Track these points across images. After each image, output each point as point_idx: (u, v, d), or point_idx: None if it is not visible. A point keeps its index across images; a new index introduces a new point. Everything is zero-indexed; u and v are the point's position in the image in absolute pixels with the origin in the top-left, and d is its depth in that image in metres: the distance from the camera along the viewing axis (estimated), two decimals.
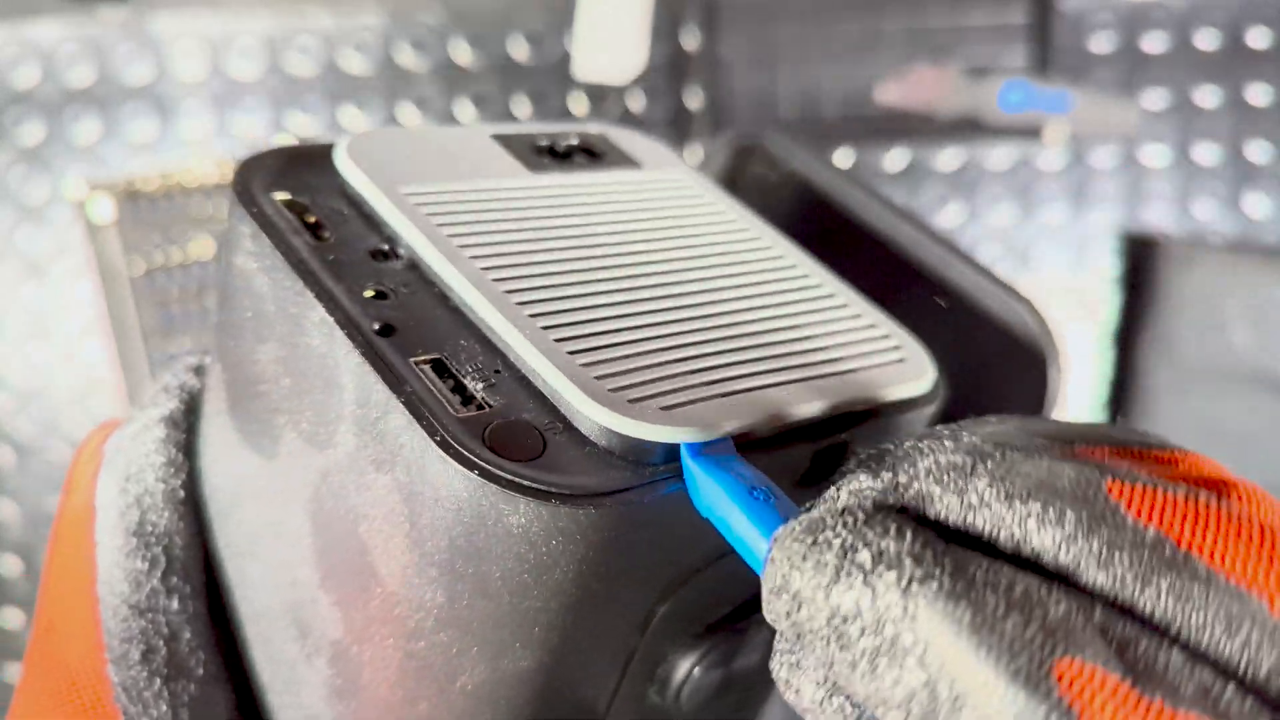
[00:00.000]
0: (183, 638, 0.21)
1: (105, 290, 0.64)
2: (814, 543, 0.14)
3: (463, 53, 0.66)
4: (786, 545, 0.15)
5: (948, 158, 0.67)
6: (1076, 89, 0.64)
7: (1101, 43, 0.66)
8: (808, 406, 0.18)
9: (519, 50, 0.66)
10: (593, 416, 0.17)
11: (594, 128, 0.25)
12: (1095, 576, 0.13)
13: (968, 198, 0.67)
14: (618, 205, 0.22)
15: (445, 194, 0.21)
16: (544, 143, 0.24)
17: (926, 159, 0.67)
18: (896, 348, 0.21)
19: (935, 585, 0.13)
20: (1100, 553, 0.13)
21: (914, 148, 0.66)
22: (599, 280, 0.20)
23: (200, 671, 0.21)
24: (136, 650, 0.21)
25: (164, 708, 0.21)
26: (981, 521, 0.14)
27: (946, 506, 0.14)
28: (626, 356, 0.18)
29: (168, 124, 0.66)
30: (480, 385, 0.17)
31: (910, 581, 0.13)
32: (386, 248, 0.20)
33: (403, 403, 0.17)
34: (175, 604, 0.22)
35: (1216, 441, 0.64)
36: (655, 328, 0.19)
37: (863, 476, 0.15)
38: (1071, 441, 0.15)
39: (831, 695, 0.15)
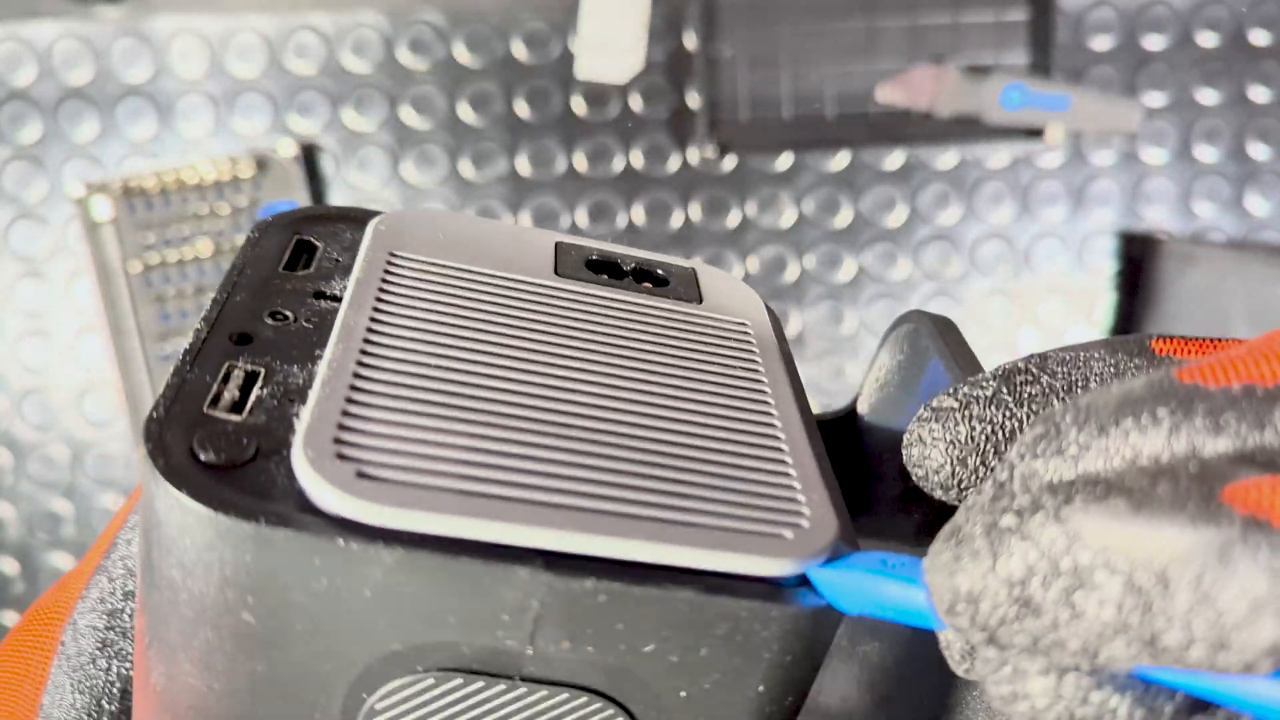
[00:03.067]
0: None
1: (103, 289, 0.63)
2: (958, 541, 0.14)
3: (463, 53, 0.66)
4: (938, 563, 0.15)
5: (948, 157, 0.67)
6: (1077, 88, 0.64)
7: (1102, 42, 0.66)
8: (573, 537, 0.16)
9: (519, 50, 0.66)
10: (293, 450, 0.16)
11: (687, 262, 0.24)
12: (1213, 444, 0.14)
13: (968, 197, 0.67)
14: (611, 323, 0.21)
15: (431, 266, 0.21)
16: (605, 258, 0.23)
17: (926, 159, 0.67)
18: (792, 512, 0.18)
19: (1080, 499, 0.14)
20: (1208, 423, 0.14)
21: (914, 147, 0.66)
22: (496, 372, 0.18)
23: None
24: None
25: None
26: (1091, 461, 0.15)
27: (1054, 470, 0.15)
28: (417, 428, 0.17)
29: (166, 123, 0.66)
30: (263, 404, 0.17)
31: (1058, 509, 0.14)
32: (335, 290, 0.20)
33: (168, 382, 0.17)
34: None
35: None
36: (503, 420, 0.18)
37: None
38: (1124, 362, 0.16)
39: (1061, 675, 0.15)
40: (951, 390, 0.18)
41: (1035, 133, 0.65)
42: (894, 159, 0.67)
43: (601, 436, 0.18)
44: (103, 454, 0.66)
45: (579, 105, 0.66)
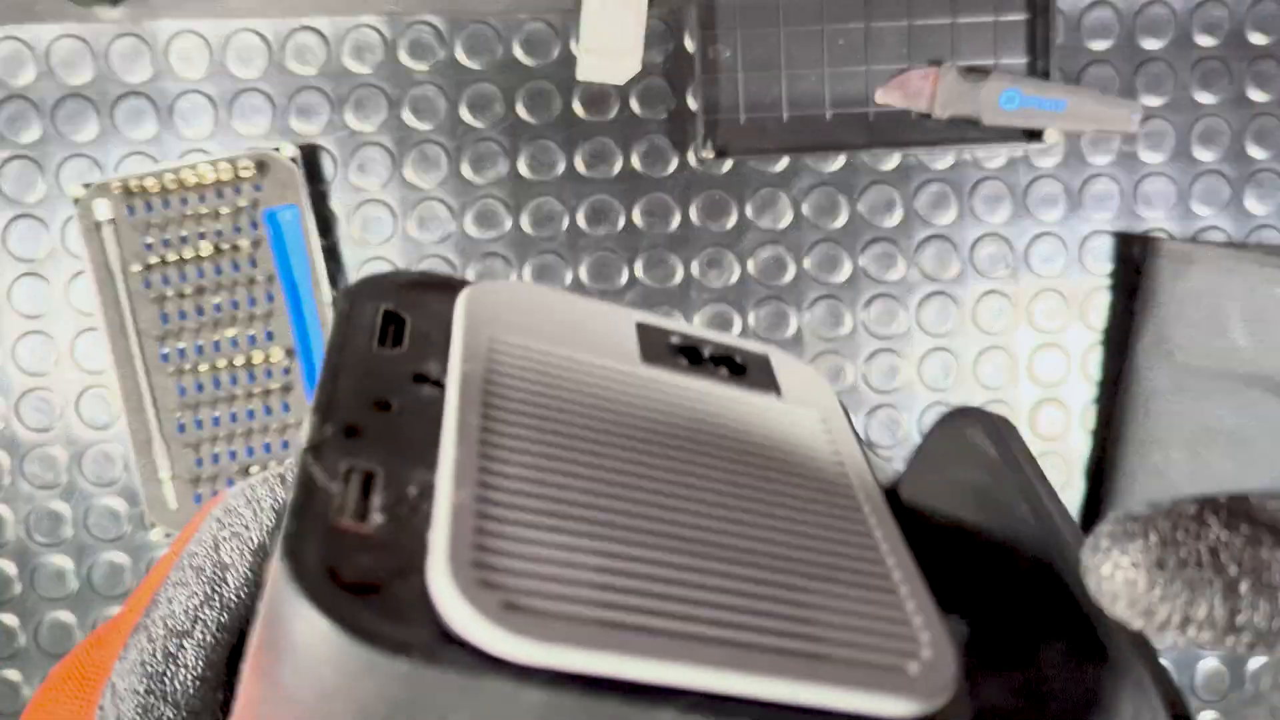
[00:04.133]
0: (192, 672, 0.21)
1: (102, 290, 0.63)
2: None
3: (463, 53, 0.66)
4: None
5: (946, 158, 0.67)
6: (1075, 89, 0.64)
7: (1101, 42, 0.66)
8: (723, 676, 0.15)
9: (519, 50, 0.66)
10: (431, 573, 0.15)
11: (759, 348, 0.23)
12: None
13: (966, 198, 0.67)
14: (706, 422, 0.20)
15: (531, 353, 0.20)
16: (685, 342, 0.22)
17: (925, 159, 0.67)
18: (911, 647, 0.16)
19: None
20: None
21: (912, 147, 0.66)
22: (615, 480, 0.18)
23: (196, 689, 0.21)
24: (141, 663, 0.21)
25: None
26: None
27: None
28: (553, 548, 0.16)
29: (166, 124, 0.66)
30: (386, 512, 0.16)
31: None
32: (433, 373, 0.19)
33: (297, 482, 0.16)
34: (204, 635, 0.21)
35: (1216, 441, 0.64)
36: (629, 536, 0.17)
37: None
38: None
39: None
40: (1134, 515, 0.16)
41: (1034, 134, 0.65)
42: (892, 160, 0.67)
43: (721, 554, 0.17)
44: (102, 454, 0.66)
45: (579, 107, 0.66)
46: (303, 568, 0.15)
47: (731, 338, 0.23)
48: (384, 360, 0.20)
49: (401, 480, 0.17)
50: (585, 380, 0.20)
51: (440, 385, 0.19)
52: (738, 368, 0.22)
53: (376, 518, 0.16)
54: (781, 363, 0.23)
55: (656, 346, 0.22)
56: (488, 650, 0.15)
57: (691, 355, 0.22)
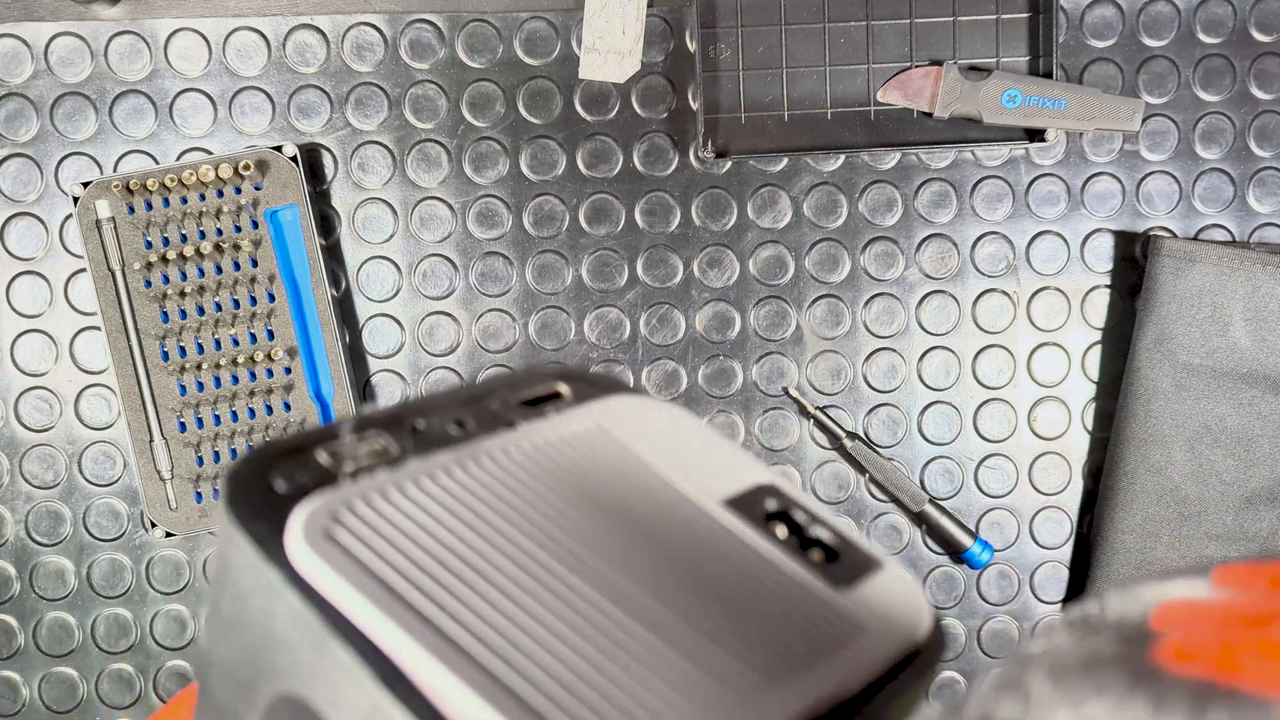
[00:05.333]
0: None
1: (101, 289, 0.63)
2: None
3: (463, 51, 0.66)
4: None
5: (947, 156, 0.67)
6: (1076, 88, 0.64)
7: (1102, 41, 0.66)
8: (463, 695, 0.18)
9: (520, 49, 0.66)
10: (313, 497, 0.21)
11: (882, 556, 0.24)
12: None
13: (967, 197, 0.67)
14: (731, 571, 0.22)
15: (612, 442, 0.23)
16: (784, 515, 0.23)
17: (925, 158, 0.67)
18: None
19: None
20: (1151, 709, 0.15)
21: (913, 146, 0.66)
22: (507, 554, 0.20)
23: None
24: None
25: None
26: (1045, 714, 0.16)
27: (1014, 713, 0.16)
28: (416, 546, 0.20)
29: (165, 122, 0.66)
30: (353, 461, 0.22)
31: None
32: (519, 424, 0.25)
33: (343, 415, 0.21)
34: None
35: (1217, 440, 0.64)
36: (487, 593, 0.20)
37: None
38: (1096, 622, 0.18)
39: None
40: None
41: (1035, 132, 0.65)
42: (892, 159, 0.67)
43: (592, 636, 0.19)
44: (102, 454, 0.66)
45: (580, 106, 0.66)
46: (250, 459, 0.21)
47: (856, 536, 0.23)
48: (515, 410, 0.24)
49: (387, 458, 0.21)
50: (629, 477, 0.22)
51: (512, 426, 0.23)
52: (830, 554, 0.23)
53: (346, 465, 0.21)
54: (891, 577, 0.23)
55: (754, 503, 0.23)
56: (286, 548, 0.19)
57: (787, 525, 0.23)
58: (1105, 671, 0.15)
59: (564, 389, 0.24)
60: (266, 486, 0.20)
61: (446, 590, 0.19)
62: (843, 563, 0.23)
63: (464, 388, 0.24)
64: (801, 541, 0.23)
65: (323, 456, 0.21)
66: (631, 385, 0.25)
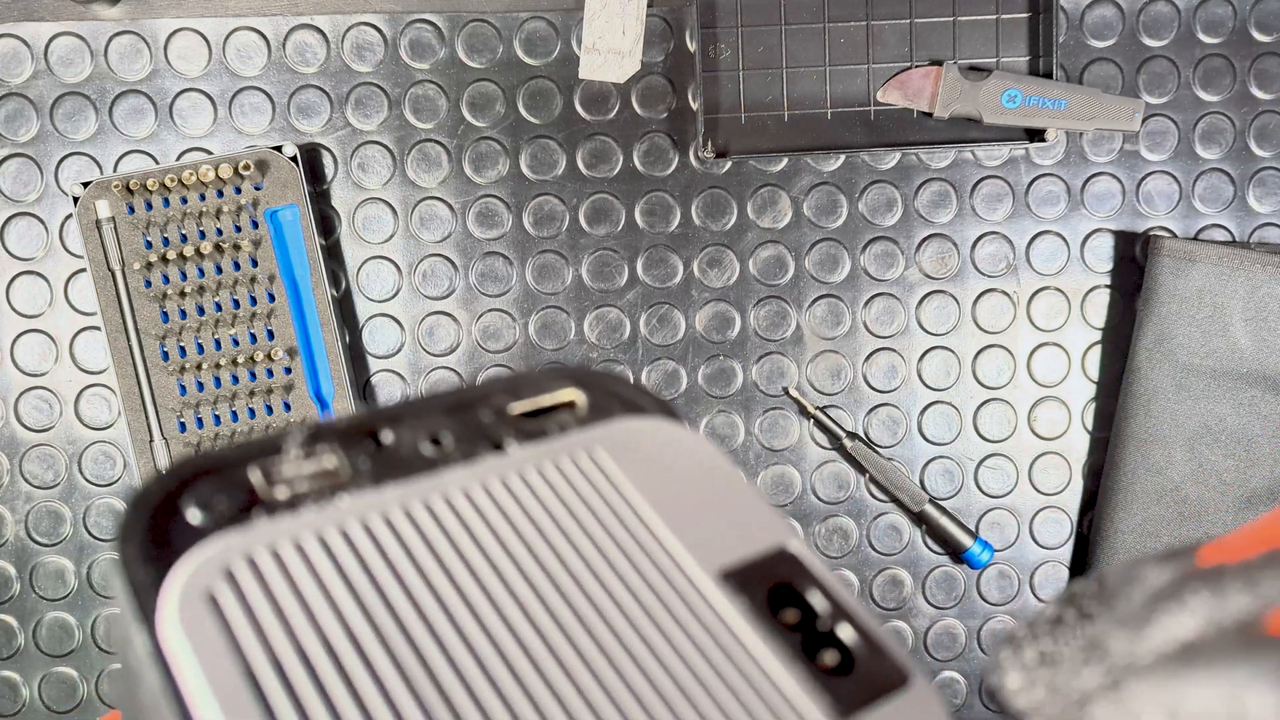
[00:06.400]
0: None
1: (101, 289, 0.63)
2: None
3: (463, 51, 0.66)
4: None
5: (947, 156, 0.67)
6: (1077, 87, 0.64)
7: (1102, 41, 0.66)
8: None
9: (519, 49, 0.66)
10: (209, 544, 0.18)
11: (908, 664, 0.19)
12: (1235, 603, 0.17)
13: (967, 197, 0.67)
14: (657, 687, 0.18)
15: (597, 471, 0.20)
16: (796, 594, 0.19)
17: (925, 158, 0.67)
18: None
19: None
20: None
21: (913, 146, 0.66)
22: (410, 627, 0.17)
23: None
24: None
25: None
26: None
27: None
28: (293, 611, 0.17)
29: (165, 122, 0.66)
30: (286, 485, 0.19)
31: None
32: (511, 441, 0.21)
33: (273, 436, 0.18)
34: None
35: (1218, 440, 0.64)
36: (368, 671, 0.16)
37: None
38: None
39: None
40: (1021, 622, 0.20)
41: (1035, 132, 0.65)
42: (892, 159, 0.67)
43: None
44: (102, 454, 0.66)
45: (580, 106, 0.66)
46: (164, 476, 0.17)
47: (878, 631, 0.18)
48: (515, 421, 0.20)
49: (334, 482, 0.18)
50: (618, 538, 0.18)
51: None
52: (848, 659, 0.18)
53: (279, 490, 0.18)
54: (915, 703, 0.18)
55: (755, 580, 0.18)
56: (158, 609, 0.16)
57: (800, 606, 0.18)
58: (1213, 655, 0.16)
59: (579, 398, 0.21)
60: (175, 515, 0.17)
61: (326, 694, 0.15)
62: (858, 675, 0.18)
63: (459, 390, 0.20)
64: (812, 636, 0.18)
65: (255, 476, 0.18)
66: (659, 401, 0.21)
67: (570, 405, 0.21)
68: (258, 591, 0.16)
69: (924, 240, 0.67)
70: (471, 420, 0.20)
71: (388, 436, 0.19)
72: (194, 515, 0.17)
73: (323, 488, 0.18)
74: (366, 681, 0.16)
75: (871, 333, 0.67)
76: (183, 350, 0.64)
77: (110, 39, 0.65)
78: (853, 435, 0.67)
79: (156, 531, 0.17)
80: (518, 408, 0.20)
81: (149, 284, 0.63)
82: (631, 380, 0.22)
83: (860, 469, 0.68)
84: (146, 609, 0.16)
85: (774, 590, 0.18)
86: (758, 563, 0.19)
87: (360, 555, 0.17)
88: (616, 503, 0.19)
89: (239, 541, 0.17)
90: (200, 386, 0.64)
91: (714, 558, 0.18)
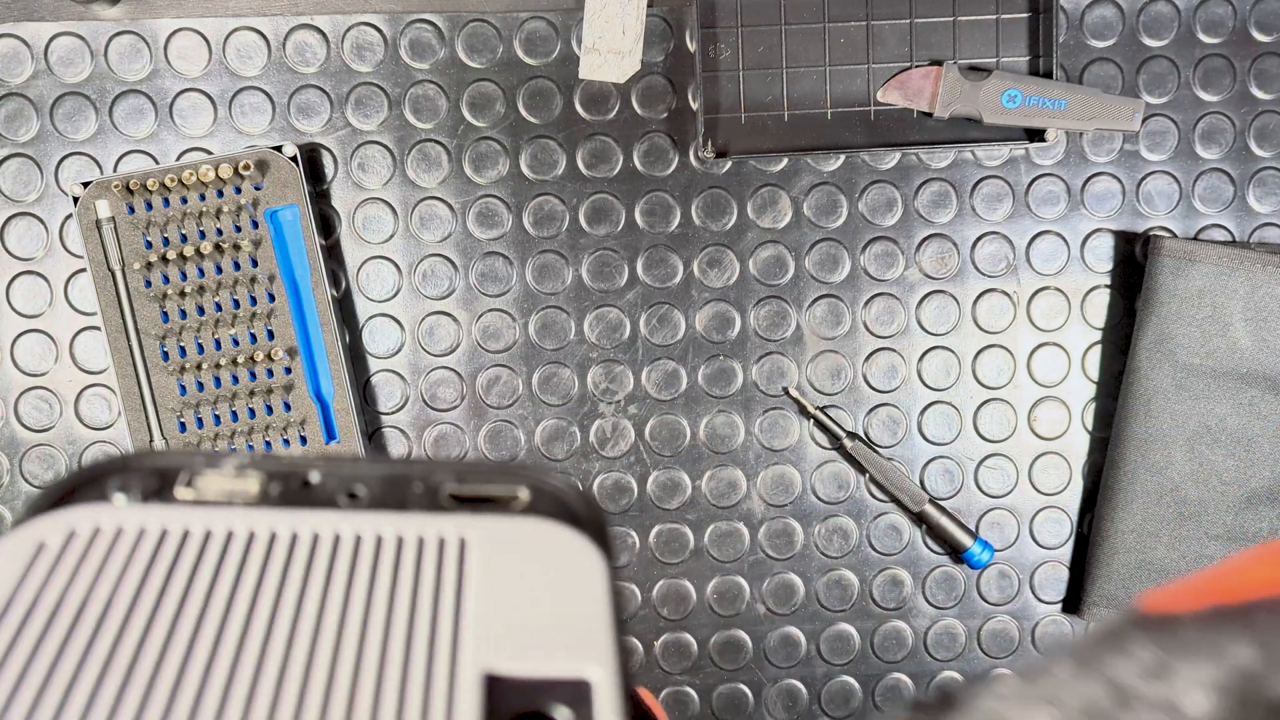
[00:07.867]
0: None
1: (101, 289, 0.63)
2: None
3: (463, 51, 0.66)
4: None
5: (947, 156, 0.67)
6: (1077, 87, 0.64)
7: (1102, 41, 0.66)
8: None
9: (519, 49, 0.66)
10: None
11: None
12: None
13: (967, 197, 0.67)
14: None
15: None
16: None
17: (925, 158, 0.67)
18: None
19: None
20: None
21: (913, 146, 0.66)
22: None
23: None
24: None
25: None
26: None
27: None
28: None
29: (165, 122, 0.66)
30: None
31: None
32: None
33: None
34: None
35: (1218, 440, 0.64)
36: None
37: None
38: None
39: None
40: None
41: (1035, 132, 0.65)
42: (892, 159, 0.67)
43: None
44: (102, 454, 0.66)
45: (580, 106, 0.66)
46: (125, 455, 0.19)
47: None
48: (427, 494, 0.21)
49: (243, 500, 0.19)
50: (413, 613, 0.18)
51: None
52: None
53: (191, 492, 0.19)
54: None
55: (513, 694, 0.16)
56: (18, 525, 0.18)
57: None
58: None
59: (524, 495, 0.20)
60: (95, 483, 0.19)
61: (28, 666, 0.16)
62: None
63: (416, 461, 0.21)
64: None
65: (182, 477, 0.19)
66: (596, 517, 0.20)
67: (510, 500, 0.20)
68: (70, 562, 0.17)
69: (924, 240, 0.67)
70: (401, 486, 0.20)
71: (315, 478, 0.20)
72: (110, 488, 0.19)
73: (223, 500, 0.19)
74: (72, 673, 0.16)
75: (871, 333, 0.67)
76: (183, 350, 0.64)
77: (110, 39, 0.65)
78: (853, 435, 0.67)
79: (70, 488, 0.19)
80: (458, 489, 0.20)
81: (149, 284, 0.63)
82: (581, 491, 0.21)
83: (860, 469, 0.68)
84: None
85: (528, 716, 0.17)
86: (533, 682, 0.17)
87: (158, 562, 0.18)
88: (445, 584, 0.18)
89: (100, 514, 0.18)
90: (200, 386, 0.64)
91: (493, 660, 0.17)
